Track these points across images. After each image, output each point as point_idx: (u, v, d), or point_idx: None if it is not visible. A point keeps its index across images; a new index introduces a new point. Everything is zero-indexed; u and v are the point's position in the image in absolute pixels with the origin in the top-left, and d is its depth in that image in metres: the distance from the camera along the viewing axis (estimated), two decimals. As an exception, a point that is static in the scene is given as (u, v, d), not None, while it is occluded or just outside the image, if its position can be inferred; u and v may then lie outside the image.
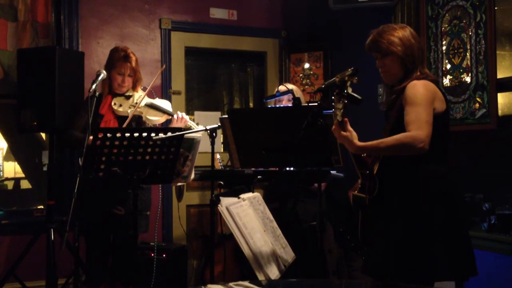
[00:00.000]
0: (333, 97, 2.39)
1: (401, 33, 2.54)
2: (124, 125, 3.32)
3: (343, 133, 2.38)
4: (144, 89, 3.54)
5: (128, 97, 3.46)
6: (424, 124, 2.33)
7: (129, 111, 3.39)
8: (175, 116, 3.44)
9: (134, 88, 3.51)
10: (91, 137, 2.83)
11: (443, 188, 2.44)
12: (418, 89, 2.41)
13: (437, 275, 2.36)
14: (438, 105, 2.44)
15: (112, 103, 3.42)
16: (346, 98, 2.35)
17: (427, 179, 2.43)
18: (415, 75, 2.50)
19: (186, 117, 3.45)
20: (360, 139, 2.43)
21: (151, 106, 3.46)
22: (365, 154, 2.56)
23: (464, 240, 2.45)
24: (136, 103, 3.42)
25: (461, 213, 2.47)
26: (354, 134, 2.40)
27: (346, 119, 2.38)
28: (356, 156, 2.52)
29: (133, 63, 3.45)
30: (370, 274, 2.58)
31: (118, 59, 3.43)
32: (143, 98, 3.42)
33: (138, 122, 3.47)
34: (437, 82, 2.49)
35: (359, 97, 2.36)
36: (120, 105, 3.43)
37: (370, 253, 2.58)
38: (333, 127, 2.42)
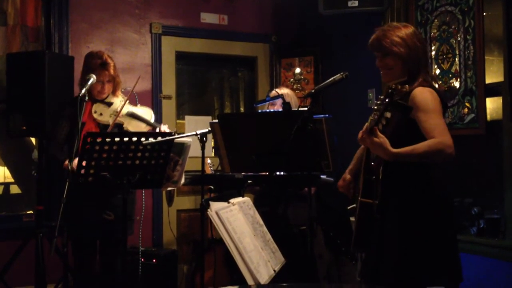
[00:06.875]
0: (378, 104, 2.17)
1: (405, 33, 2.47)
2: None
3: (376, 139, 2.22)
4: (125, 92, 3.49)
5: (109, 104, 3.42)
6: (446, 131, 2.31)
7: (110, 120, 3.36)
8: (157, 129, 3.40)
9: (113, 92, 3.47)
10: (66, 162, 3.01)
11: (439, 193, 2.43)
12: (429, 96, 2.37)
13: (424, 280, 2.35)
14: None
15: (93, 111, 3.38)
16: (395, 106, 2.14)
17: (424, 183, 2.42)
18: (418, 81, 2.44)
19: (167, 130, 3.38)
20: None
21: (133, 116, 3.42)
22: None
23: (451, 246, 2.44)
24: (117, 111, 3.38)
25: (452, 218, 2.47)
26: (386, 140, 2.23)
27: (375, 127, 2.23)
28: (366, 162, 2.47)
29: (111, 70, 3.39)
30: (369, 280, 2.56)
31: (95, 67, 3.36)
32: (123, 106, 3.38)
33: (120, 129, 3.43)
34: (439, 92, 2.47)
35: (410, 105, 2.20)
36: (101, 114, 3.38)
37: (369, 258, 2.55)
38: (362, 135, 2.29)
